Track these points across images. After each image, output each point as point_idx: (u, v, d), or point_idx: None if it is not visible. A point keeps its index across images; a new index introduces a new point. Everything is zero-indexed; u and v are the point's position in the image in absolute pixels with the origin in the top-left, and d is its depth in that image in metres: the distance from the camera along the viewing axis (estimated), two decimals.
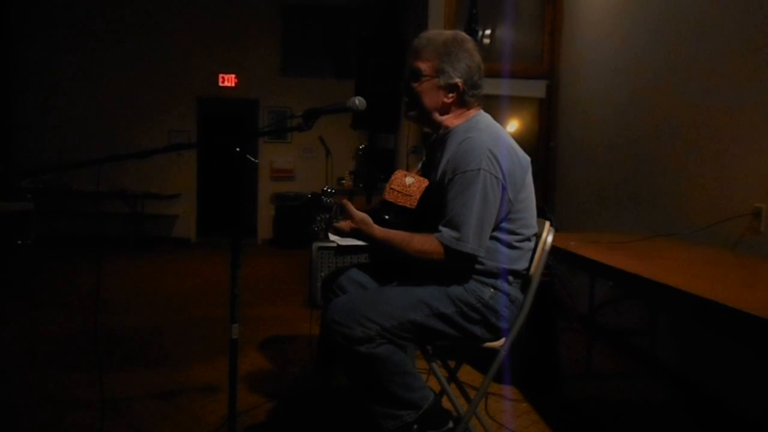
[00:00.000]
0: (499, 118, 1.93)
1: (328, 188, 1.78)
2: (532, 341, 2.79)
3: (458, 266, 1.73)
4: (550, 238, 1.88)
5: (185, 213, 8.49)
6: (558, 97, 4.66)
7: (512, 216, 1.77)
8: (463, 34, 1.84)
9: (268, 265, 6.71)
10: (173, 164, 8.26)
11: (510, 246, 1.79)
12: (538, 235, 1.88)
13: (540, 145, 4.79)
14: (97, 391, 2.47)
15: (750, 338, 1.43)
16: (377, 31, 7.96)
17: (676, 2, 3.19)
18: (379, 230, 1.74)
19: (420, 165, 2.12)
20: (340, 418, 2.51)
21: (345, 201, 1.75)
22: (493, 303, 1.77)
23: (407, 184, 1.86)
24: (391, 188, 1.85)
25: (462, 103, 1.83)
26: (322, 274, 2.70)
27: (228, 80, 8.39)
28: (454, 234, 1.66)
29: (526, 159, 1.82)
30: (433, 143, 1.98)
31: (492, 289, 1.77)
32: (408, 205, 1.84)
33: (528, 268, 1.86)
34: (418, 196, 1.85)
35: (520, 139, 1.89)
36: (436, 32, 1.85)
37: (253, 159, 1.83)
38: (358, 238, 1.77)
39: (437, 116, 1.85)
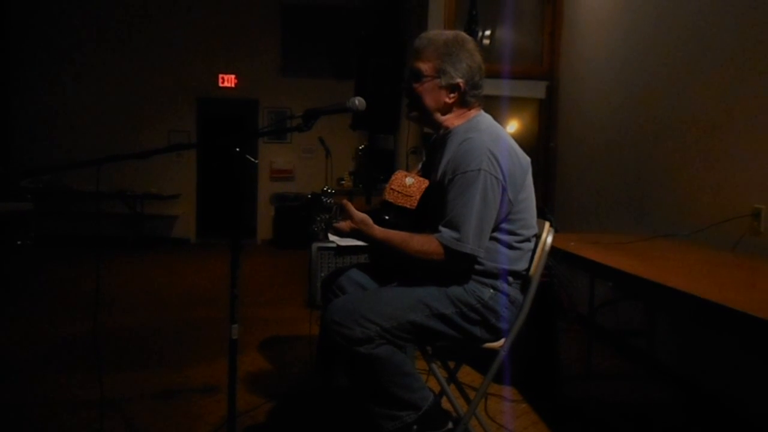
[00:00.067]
0: (499, 118, 1.93)
1: (328, 189, 1.78)
2: (532, 342, 2.79)
3: (458, 267, 1.73)
4: (549, 239, 1.88)
5: (185, 213, 8.49)
6: (558, 97, 4.67)
7: (512, 217, 1.77)
8: (464, 35, 1.84)
9: (267, 265, 6.71)
10: (173, 164, 8.26)
11: (510, 247, 1.79)
12: (537, 236, 1.88)
13: (540, 145, 4.79)
14: (97, 391, 2.47)
15: (750, 339, 1.43)
16: (377, 31, 7.94)
17: (675, 3, 3.19)
18: (378, 230, 1.74)
19: (420, 165, 2.13)
20: (339, 418, 2.50)
21: (345, 201, 1.75)
22: (493, 304, 1.77)
23: (407, 184, 1.87)
24: (391, 188, 1.86)
25: (463, 103, 1.83)
26: (322, 275, 2.70)
27: (228, 80, 8.39)
28: (454, 234, 1.66)
29: (527, 160, 1.82)
30: (433, 144, 1.98)
31: (492, 290, 1.77)
32: (408, 206, 1.85)
33: (528, 269, 1.86)
34: (418, 197, 1.86)
35: (520, 139, 1.90)
36: (437, 32, 1.85)
37: (252, 159, 1.83)
38: (358, 239, 1.77)
39: (438, 116, 1.85)
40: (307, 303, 4.44)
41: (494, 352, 1.81)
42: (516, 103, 4.72)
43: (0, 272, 4.98)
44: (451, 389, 1.95)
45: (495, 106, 4.34)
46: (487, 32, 4.54)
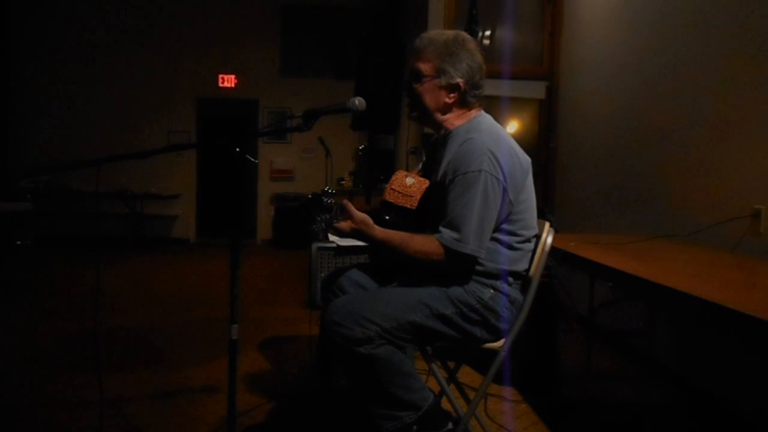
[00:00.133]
0: (499, 119, 1.93)
1: (328, 189, 1.78)
2: (532, 342, 2.79)
3: (458, 267, 1.73)
4: (549, 239, 1.88)
5: (185, 213, 8.49)
6: (558, 98, 4.67)
7: (513, 217, 1.77)
8: (465, 34, 1.84)
9: (267, 265, 6.71)
10: (173, 164, 8.25)
11: (510, 247, 1.79)
12: (537, 236, 1.88)
13: (540, 146, 4.79)
14: (97, 391, 2.47)
15: (749, 339, 1.43)
16: (377, 31, 7.96)
17: (675, 3, 3.19)
18: (379, 231, 1.74)
19: (420, 165, 2.13)
20: (339, 418, 2.50)
21: (345, 201, 1.75)
22: (493, 304, 1.77)
23: (408, 184, 1.87)
24: (392, 188, 1.85)
25: (463, 103, 1.83)
26: (322, 275, 2.70)
27: (228, 80, 8.39)
28: (454, 235, 1.66)
29: (527, 160, 1.82)
30: (433, 144, 1.98)
31: (492, 290, 1.77)
32: (408, 206, 1.84)
33: (528, 269, 1.86)
34: (418, 197, 1.86)
35: (520, 140, 1.90)
36: (438, 32, 1.85)
37: (252, 159, 1.83)
38: (359, 239, 1.77)
39: (439, 116, 1.85)
40: (307, 303, 4.44)
41: (494, 352, 1.81)
42: (516, 104, 4.72)
43: (0, 272, 4.98)
44: (451, 389, 1.95)
45: (495, 107, 4.34)
46: (487, 32, 4.54)
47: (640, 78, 3.52)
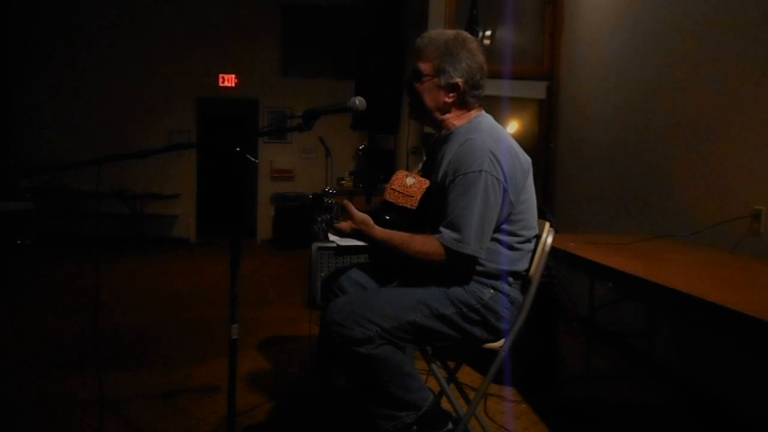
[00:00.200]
0: (499, 119, 1.93)
1: (329, 189, 1.78)
2: (532, 342, 2.79)
3: (459, 268, 1.73)
4: (549, 239, 1.88)
5: (185, 213, 8.49)
6: (558, 98, 4.67)
7: (513, 218, 1.77)
8: (466, 34, 1.83)
9: (267, 265, 6.71)
10: (173, 164, 8.25)
11: (510, 247, 1.79)
12: (538, 236, 1.88)
13: (540, 146, 4.79)
14: (97, 391, 2.48)
15: (750, 340, 1.43)
16: (377, 31, 7.97)
17: (676, 4, 3.19)
18: (379, 231, 1.74)
19: (420, 165, 2.12)
20: (339, 418, 2.51)
21: (346, 201, 1.75)
22: (493, 304, 1.77)
23: (408, 184, 1.87)
24: (392, 188, 1.86)
25: (463, 103, 1.83)
26: (322, 275, 2.70)
27: (228, 80, 8.39)
28: (454, 235, 1.66)
29: (527, 161, 1.82)
30: (434, 144, 1.98)
31: (492, 290, 1.77)
32: (409, 206, 1.85)
33: (528, 270, 1.86)
34: (419, 197, 1.86)
35: (520, 140, 1.89)
36: (439, 32, 1.85)
37: (253, 159, 1.83)
38: (359, 239, 1.77)
39: (438, 116, 1.85)
40: (307, 303, 4.44)
41: (494, 352, 1.81)
42: (516, 104, 4.72)
43: (0, 272, 4.98)
44: (451, 389, 1.95)
45: (495, 107, 4.34)
46: (488, 32, 4.54)
47: (640, 78, 3.52)
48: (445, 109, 1.84)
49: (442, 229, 1.68)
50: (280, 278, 5.92)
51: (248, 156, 1.78)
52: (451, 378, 2.12)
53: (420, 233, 1.73)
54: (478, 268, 1.75)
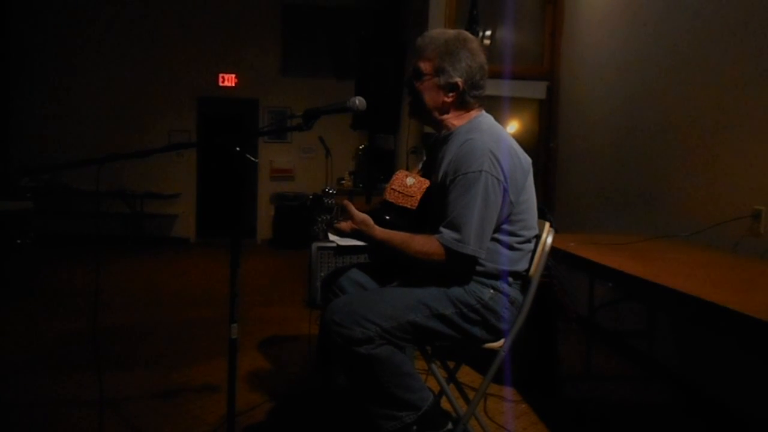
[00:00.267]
0: (499, 119, 1.93)
1: (329, 189, 1.78)
2: (532, 342, 2.79)
3: (459, 268, 1.73)
4: (549, 239, 1.88)
5: (185, 213, 8.49)
6: (558, 98, 4.66)
7: (513, 218, 1.77)
8: (467, 34, 1.83)
9: (267, 265, 6.71)
10: (173, 164, 8.25)
11: (510, 247, 1.79)
12: (537, 236, 1.88)
13: (540, 146, 4.79)
14: (97, 391, 2.47)
15: (749, 340, 1.43)
16: (377, 31, 7.97)
17: (676, 4, 3.19)
18: (379, 231, 1.74)
19: (420, 165, 2.12)
20: (339, 418, 2.50)
21: (346, 202, 1.75)
22: (493, 304, 1.77)
23: (408, 184, 1.87)
24: (392, 188, 1.86)
25: (462, 102, 1.83)
26: (322, 274, 2.70)
27: (228, 80, 8.39)
28: (455, 235, 1.66)
29: (528, 161, 1.82)
30: (434, 144, 1.98)
31: (492, 291, 1.77)
32: (409, 206, 1.84)
33: (528, 270, 1.86)
34: (419, 197, 1.86)
35: (520, 140, 1.89)
36: (440, 31, 1.85)
37: (253, 159, 1.83)
38: (359, 239, 1.77)
39: (437, 115, 1.85)
40: (307, 303, 4.44)
41: (494, 352, 1.81)
42: (516, 104, 4.72)
43: (0, 271, 4.98)
44: (451, 389, 1.95)
45: (495, 107, 4.34)
46: (488, 32, 4.53)
47: (640, 78, 3.52)
48: (445, 109, 1.84)
49: (442, 229, 1.68)
50: (280, 278, 5.92)
51: (248, 156, 1.78)
52: (451, 378, 2.12)
53: (420, 233, 1.73)
54: (478, 268, 1.75)
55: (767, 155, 2.47)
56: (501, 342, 1.81)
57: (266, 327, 3.91)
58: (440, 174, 1.77)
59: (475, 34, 4.07)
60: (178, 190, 8.34)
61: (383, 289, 1.87)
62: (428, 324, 1.72)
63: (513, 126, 4.87)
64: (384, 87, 4.15)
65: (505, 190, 1.70)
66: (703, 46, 2.94)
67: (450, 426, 1.77)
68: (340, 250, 2.75)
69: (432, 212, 1.79)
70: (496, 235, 1.75)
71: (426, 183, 1.88)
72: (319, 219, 1.74)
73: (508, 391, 2.81)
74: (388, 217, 1.81)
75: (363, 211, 1.75)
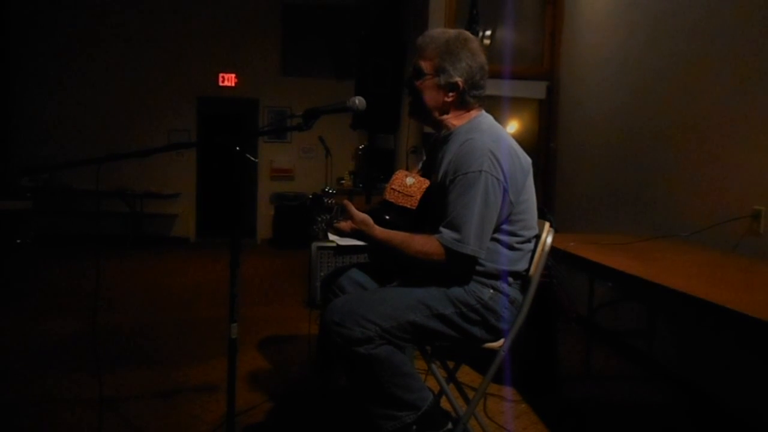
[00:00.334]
0: (499, 118, 1.93)
1: (329, 189, 1.78)
2: (532, 342, 2.79)
3: (459, 268, 1.73)
4: (549, 239, 1.88)
5: (185, 212, 8.49)
6: (558, 98, 4.67)
7: (513, 218, 1.77)
8: (468, 34, 1.83)
9: (267, 264, 6.71)
10: (173, 164, 8.25)
11: (510, 247, 1.79)
12: (537, 236, 1.88)
13: (540, 146, 4.79)
14: (97, 391, 2.47)
15: (749, 340, 1.43)
16: (377, 31, 7.96)
17: (676, 4, 3.19)
18: (379, 231, 1.74)
19: (420, 165, 2.12)
20: (339, 418, 2.50)
21: (346, 201, 1.75)
22: (493, 304, 1.77)
23: (408, 184, 1.87)
24: (392, 188, 1.86)
25: (462, 102, 1.83)
26: (322, 274, 2.70)
27: (228, 80, 8.39)
28: (454, 235, 1.66)
29: (528, 161, 1.82)
30: (434, 144, 1.98)
31: (492, 290, 1.77)
32: (409, 206, 1.85)
33: (528, 269, 1.86)
34: (418, 197, 1.86)
35: (520, 140, 1.89)
36: (441, 31, 1.85)
37: (252, 158, 1.83)
38: (359, 239, 1.77)
39: (437, 115, 1.85)
40: (307, 303, 4.44)
41: (494, 352, 1.81)
42: (516, 104, 4.72)
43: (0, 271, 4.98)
44: (451, 389, 1.95)
45: (495, 107, 4.34)
46: (488, 32, 4.54)
47: (640, 78, 3.52)
48: (445, 108, 1.83)
49: (442, 229, 1.68)
50: (279, 278, 5.92)
51: (248, 155, 1.78)
52: (451, 378, 2.12)
53: (420, 233, 1.73)
54: (478, 268, 1.75)
55: (767, 155, 2.47)
56: (501, 342, 1.81)
57: (266, 327, 3.91)
58: (440, 174, 1.77)
59: (475, 33, 4.07)
60: (178, 189, 8.34)
61: (383, 289, 1.87)
62: (428, 324, 1.72)
63: (513, 126, 4.87)
64: (384, 87, 4.15)
65: (505, 190, 1.70)
66: (702, 46, 2.94)
67: (450, 426, 1.77)
68: (340, 249, 2.75)
69: (432, 212, 1.79)
70: (496, 235, 1.75)
71: (426, 183, 1.89)
72: (319, 219, 1.74)
73: (508, 391, 2.81)
74: (387, 217, 1.81)
75: (363, 211, 1.75)
